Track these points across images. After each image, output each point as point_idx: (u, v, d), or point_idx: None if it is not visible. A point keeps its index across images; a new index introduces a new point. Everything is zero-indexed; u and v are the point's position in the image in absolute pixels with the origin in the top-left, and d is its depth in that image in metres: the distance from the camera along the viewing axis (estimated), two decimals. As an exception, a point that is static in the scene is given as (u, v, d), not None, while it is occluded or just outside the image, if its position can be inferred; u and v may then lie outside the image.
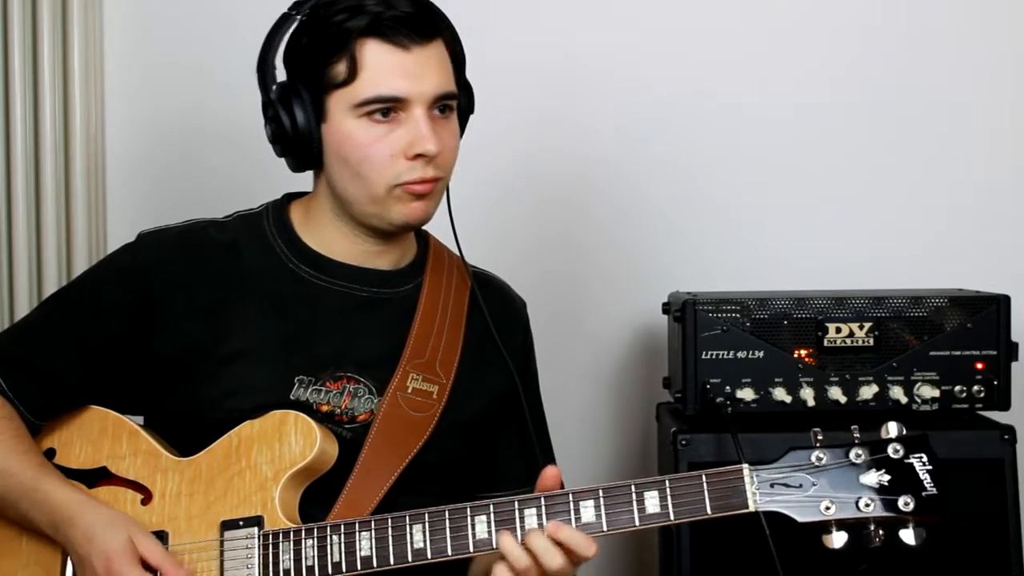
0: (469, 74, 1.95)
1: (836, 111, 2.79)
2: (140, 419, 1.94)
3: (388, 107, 1.81)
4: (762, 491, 1.65)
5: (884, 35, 2.79)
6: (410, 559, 1.72)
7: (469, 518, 1.71)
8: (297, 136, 1.85)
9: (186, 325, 1.87)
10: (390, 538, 1.72)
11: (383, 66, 1.81)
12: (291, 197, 2.00)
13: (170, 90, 2.81)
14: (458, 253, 2.02)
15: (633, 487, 1.68)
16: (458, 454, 1.94)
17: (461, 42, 1.93)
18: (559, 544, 1.67)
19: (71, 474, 1.87)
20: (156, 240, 1.93)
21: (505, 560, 1.69)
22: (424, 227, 1.96)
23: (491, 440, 1.99)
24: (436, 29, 1.85)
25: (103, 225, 2.78)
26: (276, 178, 2.01)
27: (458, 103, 1.92)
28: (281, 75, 1.89)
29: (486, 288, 2.03)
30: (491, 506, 1.71)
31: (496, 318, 1.99)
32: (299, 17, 1.87)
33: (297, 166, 1.91)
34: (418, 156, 1.82)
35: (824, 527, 1.65)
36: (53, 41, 2.68)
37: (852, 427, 1.66)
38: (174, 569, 1.75)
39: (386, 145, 1.82)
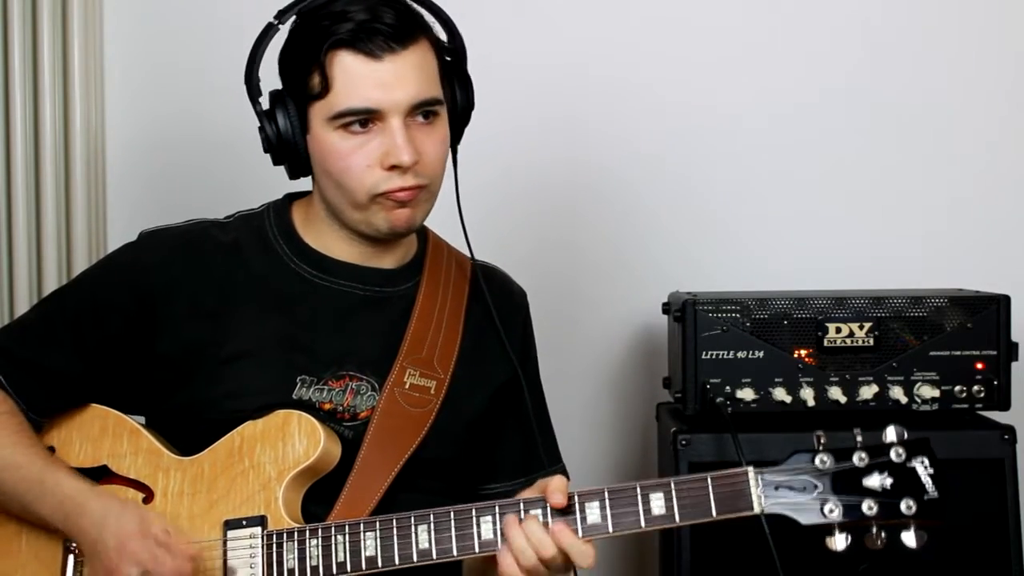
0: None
1: (835, 111, 2.79)
2: (141, 419, 1.94)
3: (364, 118, 1.81)
4: (767, 493, 1.65)
5: (883, 35, 2.80)
6: (415, 559, 1.72)
7: (474, 519, 1.71)
8: (284, 147, 1.86)
9: (188, 325, 1.87)
10: (395, 538, 1.73)
11: (354, 78, 1.80)
12: (292, 197, 2.00)
13: (170, 91, 2.81)
14: (467, 247, 2.02)
15: (639, 489, 1.68)
16: (457, 450, 1.94)
17: (459, 36, 1.92)
18: (560, 549, 1.68)
19: (70, 473, 1.87)
20: (157, 240, 1.93)
21: (510, 552, 1.69)
22: (429, 224, 1.97)
23: (492, 432, 1.99)
24: (414, 34, 1.83)
25: (103, 225, 2.78)
26: (275, 179, 2.00)
27: (453, 102, 1.91)
28: (274, 82, 1.89)
29: (487, 280, 2.03)
30: (496, 507, 1.72)
31: (498, 309, 2.00)
32: (280, 26, 1.87)
33: (291, 174, 1.92)
34: (394, 167, 1.81)
35: (827, 529, 1.65)
36: (53, 41, 2.68)
37: (855, 430, 1.67)
38: (181, 547, 1.74)
39: (363, 156, 1.81)
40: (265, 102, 1.89)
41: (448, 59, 1.91)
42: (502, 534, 1.70)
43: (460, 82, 1.93)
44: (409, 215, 1.86)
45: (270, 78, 1.90)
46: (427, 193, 1.87)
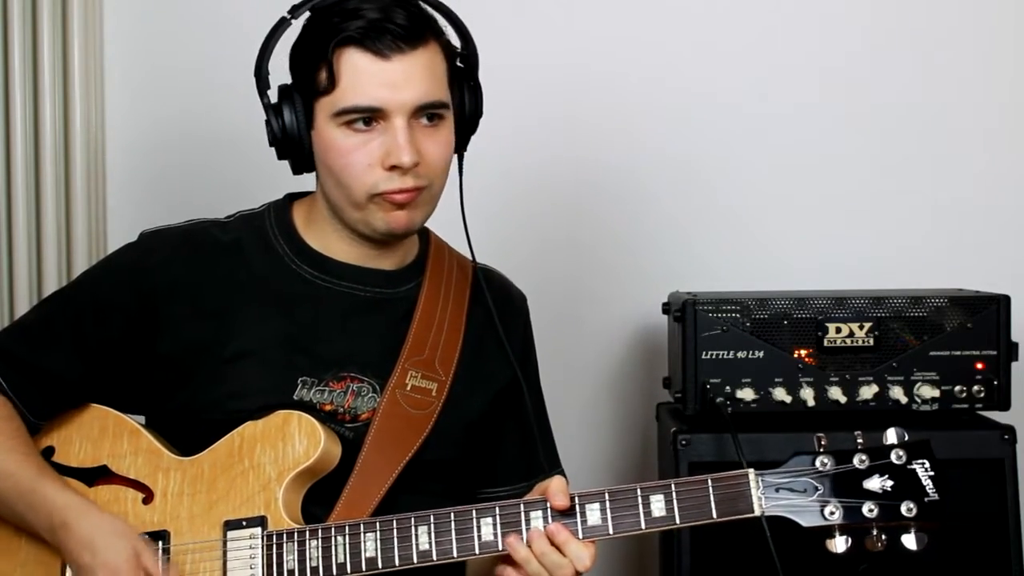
0: (475, 76, 1.95)
1: (836, 111, 2.79)
2: (141, 419, 1.93)
3: (368, 116, 1.80)
4: (767, 495, 1.66)
5: (884, 35, 2.80)
6: (415, 560, 1.72)
7: (475, 520, 1.72)
8: (288, 141, 1.86)
9: (189, 326, 1.87)
10: (395, 539, 1.73)
11: (360, 76, 1.79)
12: (293, 197, 2.00)
13: (170, 90, 2.81)
14: (468, 249, 2.01)
15: (639, 491, 1.69)
16: (458, 452, 1.94)
17: (472, 43, 1.91)
18: (557, 547, 1.68)
19: (70, 472, 1.87)
20: (158, 240, 1.93)
21: (514, 563, 1.70)
22: (431, 226, 1.97)
23: (492, 435, 1.99)
24: (424, 35, 1.82)
25: (103, 225, 2.78)
26: (277, 179, 2.01)
27: (461, 108, 1.91)
28: (284, 77, 1.89)
29: (488, 283, 2.02)
30: (496, 508, 1.72)
31: (498, 312, 1.99)
32: (293, 21, 1.87)
33: (295, 169, 1.91)
34: (394, 167, 1.81)
35: (827, 531, 1.66)
36: (53, 41, 2.67)
37: (855, 432, 1.67)
38: None
39: (364, 154, 1.81)
40: (273, 96, 1.88)
41: (459, 64, 1.91)
42: (503, 546, 1.71)
43: (469, 88, 1.92)
44: (407, 217, 1.85)
45: (278, 74, 1.89)
46: (427, 195, 1.86)
